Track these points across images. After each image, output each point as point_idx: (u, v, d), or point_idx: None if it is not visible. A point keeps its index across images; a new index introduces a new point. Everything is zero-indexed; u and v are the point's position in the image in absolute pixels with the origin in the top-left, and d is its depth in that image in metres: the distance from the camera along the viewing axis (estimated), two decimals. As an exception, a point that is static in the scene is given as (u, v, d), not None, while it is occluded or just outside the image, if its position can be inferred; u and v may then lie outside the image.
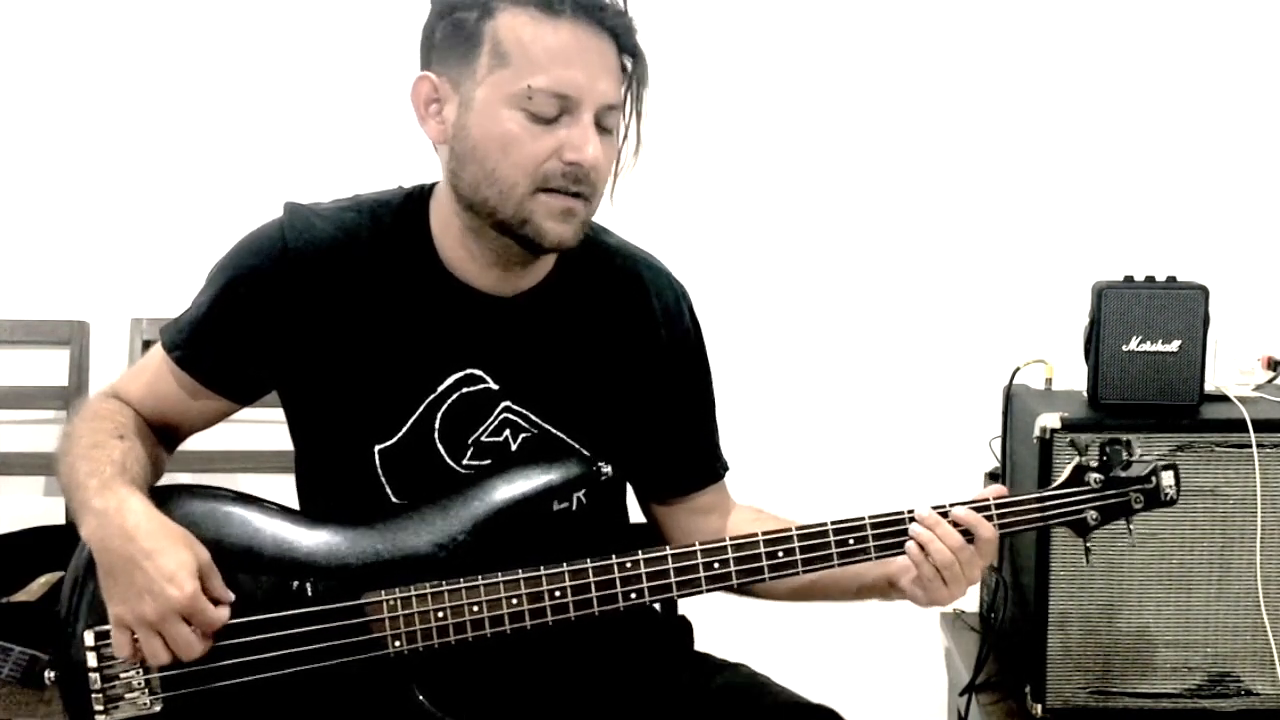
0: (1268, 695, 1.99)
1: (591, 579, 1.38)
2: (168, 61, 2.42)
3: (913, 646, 2.53)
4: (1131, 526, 1.48)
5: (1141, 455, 1.47)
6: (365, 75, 2.38)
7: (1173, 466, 1.47)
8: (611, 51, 1.36)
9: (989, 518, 1.41)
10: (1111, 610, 1.99)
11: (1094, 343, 2.02)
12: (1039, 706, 2.01)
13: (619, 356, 1.51)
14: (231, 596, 1.34)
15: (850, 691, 1.53)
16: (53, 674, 1.40)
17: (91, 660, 1.36)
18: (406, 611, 1.37)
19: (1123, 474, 1.46)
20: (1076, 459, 1.46)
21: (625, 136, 1.41)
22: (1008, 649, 2.17)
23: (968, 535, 1.40)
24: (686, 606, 1.75)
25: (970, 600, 2.41)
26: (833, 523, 1.41)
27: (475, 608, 1.37)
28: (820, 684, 1.54)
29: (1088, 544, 1.47)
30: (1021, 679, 2.05)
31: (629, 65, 1.38)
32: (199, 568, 1.31)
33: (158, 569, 1.28)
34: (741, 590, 1.51)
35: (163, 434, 1.50)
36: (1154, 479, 1.46)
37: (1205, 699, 2.00)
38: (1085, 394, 2.06)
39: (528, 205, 1.35)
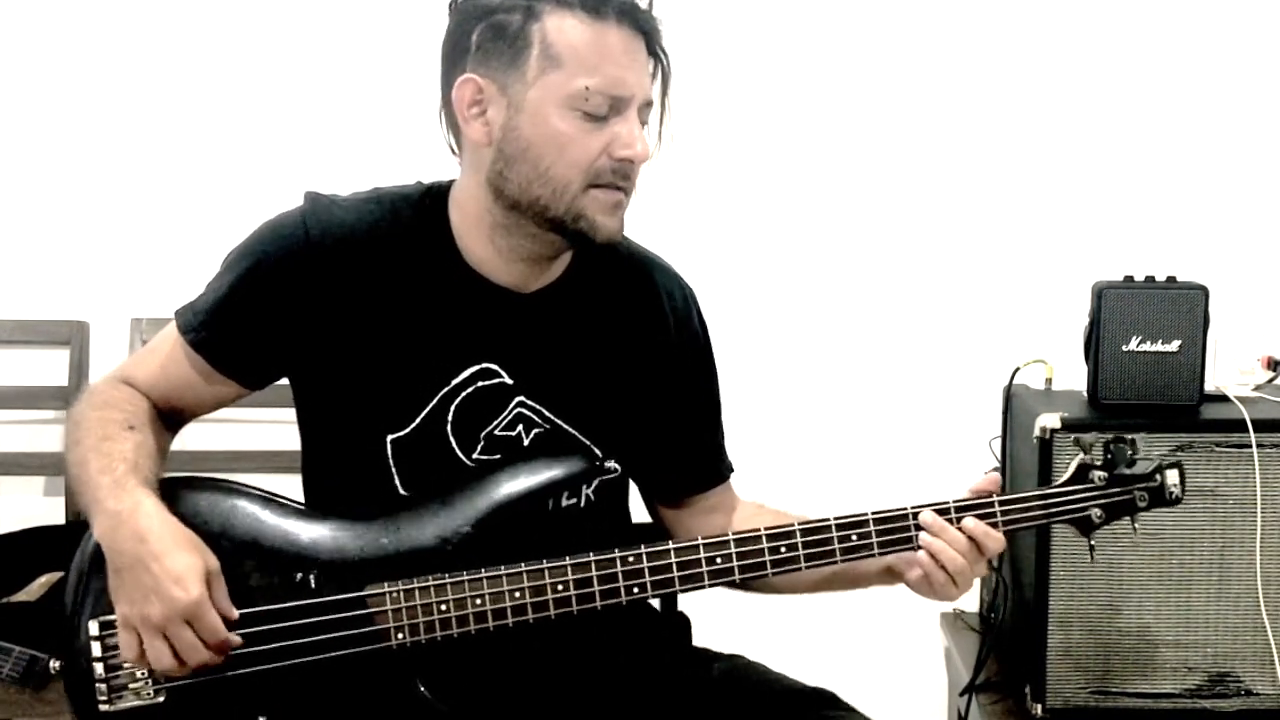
0: (1268, 695, 1.99)
1: (594, 573, 1.39)
2: (168, 62, 2.42)
3: (913, 646, 2.53)
4: (1136, 525, 1.46)
5: (1146, 454, 1.46)
6: (365, 76, 2.39)
7: (1177, 465, 1.46)
8: (644, 52, 1.40)
9: (991, 513, 1.41)
10: (1111, 610, 1.99)
11: (1094, 343, 2.02)
12: (1039, 706, 2.00)
13: (630, 355, 1.53)
14: (234, 613, 1.34)
15: (850, 692, 1.53)
16: (57, 664, 1.40)
17: (96, 650, 1.37)
18: (410, 604, 1.37)
19: (1127, 471, 1.44)
20: (1080, 456, 1.45)
21: (659, 133, 1.46)
22: (1008, 649, 2.17)
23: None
24: (685, 603, 1.75)
25: (970, 600, 2.41)
26: (836, 518, 1.41)
27: (478, 600, 1.38)
28: (820, 684, 1.54)
29: (1092, 542, 1.46)
30: (1021, 679, 2.05)
31: (658, 64, 1.43)
32: (207, 574, 1.32)
33: (165, 571, 1.29)
34: (743, 585, 1.51)
35: (168, 417, 1.51)
36: (1159, 477, 1.44)
37: (1205, 699, 2.00)
38: (1085, 394, 2.06)
39: (580, 201, 1.38)
